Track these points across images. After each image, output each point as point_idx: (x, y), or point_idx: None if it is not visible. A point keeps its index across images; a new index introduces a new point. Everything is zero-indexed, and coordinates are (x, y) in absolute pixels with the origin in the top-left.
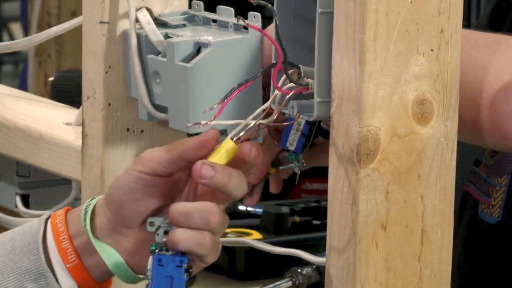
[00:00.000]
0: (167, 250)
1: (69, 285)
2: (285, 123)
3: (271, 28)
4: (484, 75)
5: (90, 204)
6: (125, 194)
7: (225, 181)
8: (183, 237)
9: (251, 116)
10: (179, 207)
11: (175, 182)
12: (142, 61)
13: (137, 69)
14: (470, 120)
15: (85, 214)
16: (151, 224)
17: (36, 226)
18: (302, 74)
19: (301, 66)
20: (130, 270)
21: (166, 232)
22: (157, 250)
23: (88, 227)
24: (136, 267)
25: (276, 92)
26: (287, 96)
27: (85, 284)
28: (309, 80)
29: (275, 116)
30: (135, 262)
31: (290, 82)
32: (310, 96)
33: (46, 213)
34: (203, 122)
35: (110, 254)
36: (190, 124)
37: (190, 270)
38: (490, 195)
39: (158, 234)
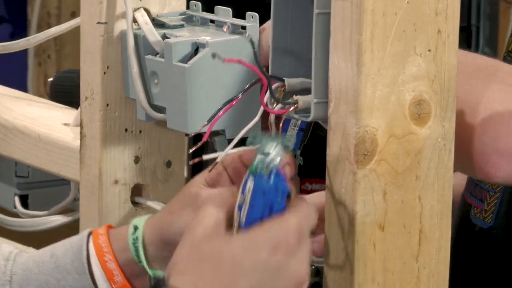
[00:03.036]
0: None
1: None
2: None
3: (266, 25)
4: (466, 107)
5: (137, 238)
6: None
7: None
8: None
9: (240, 134)
10: None
11: None
12: (140, 61)
13: (135, 69)
14: (458, 152)
15: (136, 250)
16: None
17: (78, 243)
18: (287, 88)
19: (285, 79)
20: None
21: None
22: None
23: (145, 264)
24: None
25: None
26: (283, 116)
27: None
28: (298, 97)
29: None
30: None
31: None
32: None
33: (86, 230)
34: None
35: None
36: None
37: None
38: (483, 200)
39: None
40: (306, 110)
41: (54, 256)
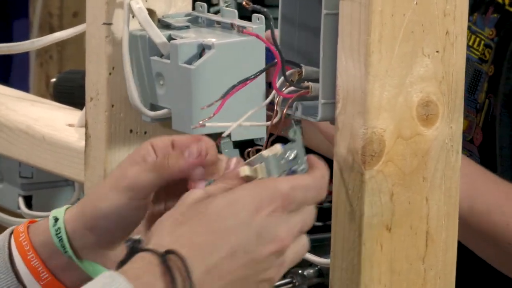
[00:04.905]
0: None
1: None
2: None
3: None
4: None
5: (59, 228)
6: (113, 223)
7: None
8: None
9: (249, 114)
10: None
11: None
12: (143, 62)
13: (127, 68)
14: None
15: (60, 240)
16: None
17: (0, 243)
18: (304, 74)
19: (303, 66)
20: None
21: None
22: None
23: (71, 253)
24: None
25: (274, 92)
26: (290, 100)
27: None
28: (310, 83)
29: (282, 119)
30: None
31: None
32: (314, 97)
33: (10, 228)
34: (207, 124)
35: (99, 272)
36: (194, 126)
37: None
38: None
39: None
40: (314, 110)
41: None
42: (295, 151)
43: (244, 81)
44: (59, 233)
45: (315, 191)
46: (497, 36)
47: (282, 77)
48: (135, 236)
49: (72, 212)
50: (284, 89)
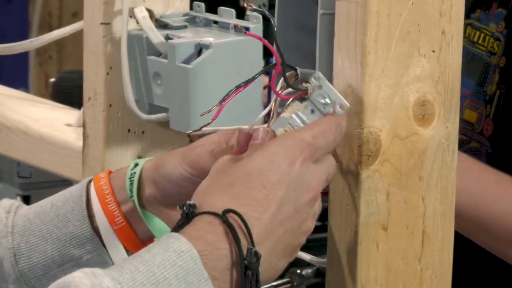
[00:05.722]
0: None
1: (116, 248)
2: None
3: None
4: None
5: (134, 173)
6: (172, 187)
7: None
8: None
9: (255, 121)
10: None
11: None
12: (139, 62)
13: (125, 70)
14: None
15: (131, 184)
16: None
17: (77, 192)
18: (300, 76)
19: (298, 68)
20: None
21: None
22: None
23: (135, 198)
24: None
25: (275, 96)
26: (288, 102)
27: (132, 246)
28: (308, 85)
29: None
30: None
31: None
32: None
33: (87, 178)
34: (204, 128)
35: (157, 226)
36: (191, 131)
37: None
38: None
39: None
40: None
41: (55, 206)
42: (326, 95)
43: (242, 85)
44: (133, 177)
45: (332, 133)
46: (506, 28)
47: (281, 79)
48: (189, 201)
49: (152, 161)
50: (282, 91)
